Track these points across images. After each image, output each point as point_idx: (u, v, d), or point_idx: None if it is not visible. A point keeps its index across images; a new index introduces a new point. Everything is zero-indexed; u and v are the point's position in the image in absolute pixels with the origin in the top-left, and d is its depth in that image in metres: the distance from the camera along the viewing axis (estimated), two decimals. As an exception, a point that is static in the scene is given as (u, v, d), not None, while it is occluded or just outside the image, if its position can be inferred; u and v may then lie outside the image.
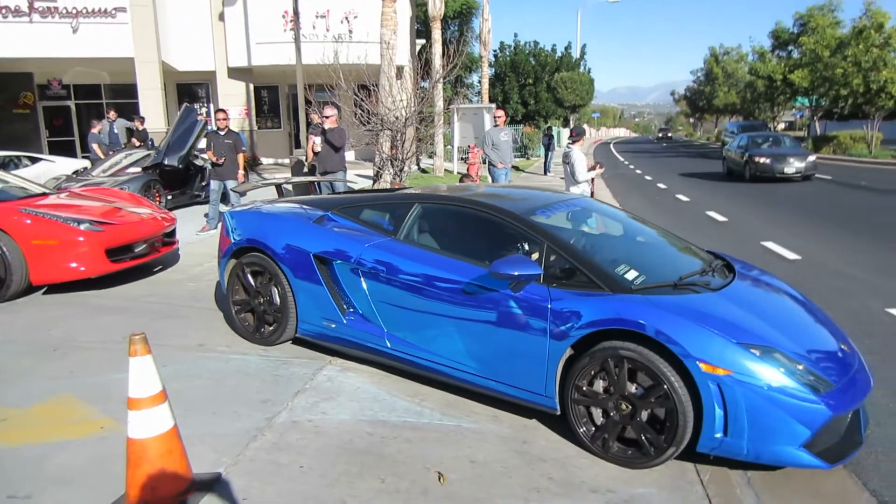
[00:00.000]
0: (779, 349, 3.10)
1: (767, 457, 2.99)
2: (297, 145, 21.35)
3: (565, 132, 27.13)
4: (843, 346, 3.52)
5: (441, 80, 13.90)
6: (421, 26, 26.35)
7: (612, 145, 61.87)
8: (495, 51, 38.03)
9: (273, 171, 18.58)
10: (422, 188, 5.39)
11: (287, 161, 21.22)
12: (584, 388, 3.34)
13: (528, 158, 32.33)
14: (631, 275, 3.63)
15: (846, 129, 38.64)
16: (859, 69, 32.15)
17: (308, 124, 12.81)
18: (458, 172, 15.13)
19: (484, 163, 17.00)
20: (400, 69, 17.88)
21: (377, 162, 11.23)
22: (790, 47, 39.64)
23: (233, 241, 4.90)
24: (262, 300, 4.71)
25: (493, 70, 37.53)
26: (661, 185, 19.23)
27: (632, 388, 3.21)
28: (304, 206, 4.95)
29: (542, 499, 2.93)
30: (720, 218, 12.12)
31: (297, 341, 4.75)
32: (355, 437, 3.42)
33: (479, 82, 24.80)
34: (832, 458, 2.98)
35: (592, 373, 3.31)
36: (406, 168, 10.78)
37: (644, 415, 3.19)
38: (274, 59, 19.41)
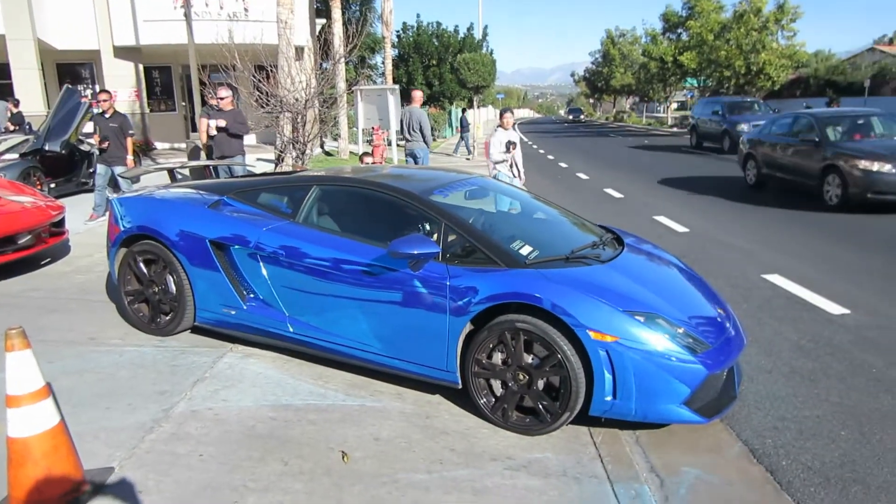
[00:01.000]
0: (661, 315, 3.31)
1: (653, 415, 3.21)
2: (194, 129, 20.41)
3: (470, 113, 27.37)
4: (719, 310, 3.80)
5: (342, 60, 13.66)
6: (321, 5, 25.73)
7: (515, 126, 62.95)
8: (398, 31, 37.76)
9: (168, 156, 17.71)
10: (322, 170, 5.33)
11: (184, 146, 20.27)
12: (484, 361, 3.45)
13: (434, 140, 32.46)
14: (525, 250, 3.76)
15: (731, 108, 41.06)
16: (741, 52, 34.28)
17: (204, 105, 12.29)
18: (365, 152, 14.99)
19: (389, 144, 16.96)
20: (299, 50, 17.44)
21: (278, 145, 10.95)
22: (679, 30, 41.61)
23: (122, 228, 4.70)
24: (156, 289, 4.55)
25: (397, 51, 37.26)
26: (563, 165, 19.86)
27: (528, 358, 3.36)
28: (199, 192, 4.80)
29: (444, 469, 3.02)
30: (617, 195, 12.69)
31: (196, 330, 4.63)
32: (258, 423, 3.39)
33: (383, 63, 24.54)
34: (709, 413, 3.25)
35: (491, 346, 3.42)
36: (308, 151, 10.56)
37: (540, 384, 3.35)
38: (164, 37, 18.39)
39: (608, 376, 3.17)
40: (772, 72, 34.02)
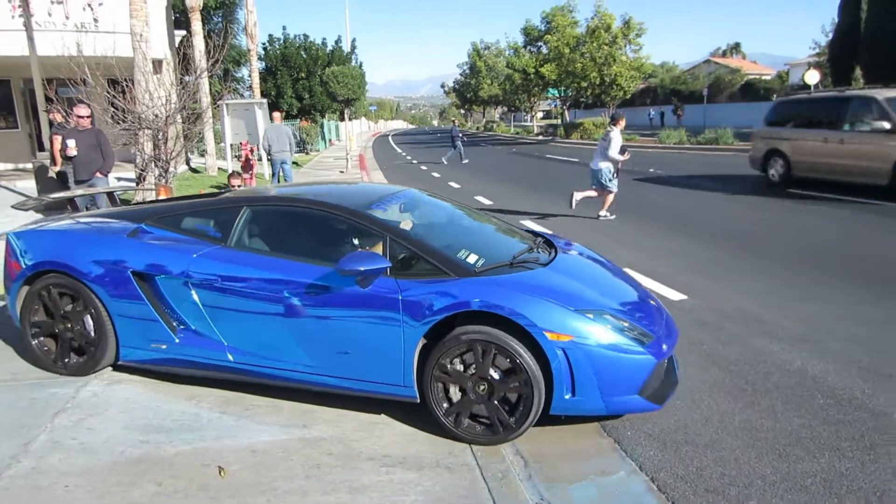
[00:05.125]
0: (607, 311, 3.46)
1: (611, 407, 3.34)
2: (41, 148, 18.90)
3: (343, 125, 27.30)
4: (652, 302, 4.01)
5: (204, 74, 13.25)
6: (181, 17, 24.68)
7: (390, 137, 63.49)
8: (264, 44, 36.94)
9: (12, 178, 16.29)
10: (247, 191, 5.07)
11: (30, 166, 18.68)
12: (449, 368, 3.43)
13: (307, 153, 32.04)
14: (472, 259, 3.79)
15: (591, 116, 43.92)
16: (595, 64, 36.68)
17: (51, 124, 11.46)
18: (235, 171, 14.58)
19: (260, 160, 16.61)
20: (157, 63, 16.66)
21: (139, 163, 10.44)
22: (539, 44, 43.89)
23: (24, 265, 4.28)
24: (68, 326, 4.20)
25: (264, 64, 36.46)
26: (436, 175, 20.34)
27: (490, 371, 3.37)
28: (112, 220, 4.49)
29: (322, 474, 3.12)
30: (486, 201, 13.25)
31: (119, 370, 4.33)
32: (128, 448, 3.32)
33: (250, 76, 23.95)
34: (660, 400, 3.44)
35: (452, 356, 3.41)
36: (172, 168, 10.17)
37: (502, 394, 3.38)
38: (1, 49, 16.92)
39: (566, 375, 3.26)
40: (623, 82, 36.63)
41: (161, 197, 7.54)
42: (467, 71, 70.43)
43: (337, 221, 3.99)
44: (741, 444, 3.39)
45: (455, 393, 3.47)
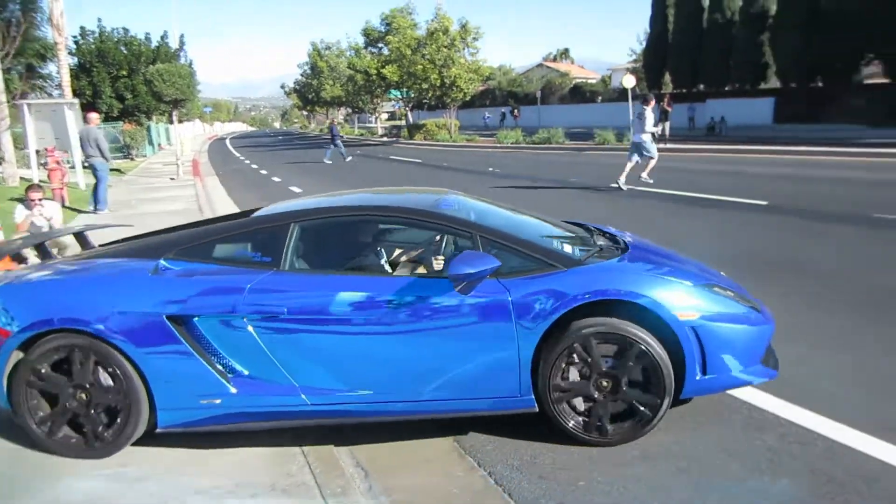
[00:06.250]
0: (714, 283, 3.39)
1: (741, 381, 3.29)
2: None
3: (174, 128, 25.48)
4: (723, 273, 3.89)
5: (-2, 70, 11.68)
6: (-32, 4, 21.61)
7: (227, 140, 60.62)
8: (75, 37, 33.49)
9: None
10: (283, 206, 4.15)
11: None
12: (562, 382, 3.20)
13: (132, 159, 29.58)
14: (567, 249, 3.58)
15: (434, 117, 44.75)
16: (435, 66, 37.38)
17: None
18: (41, 181, 13.01)
19: (73, 167, 14.98)
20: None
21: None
22: (380, 45, 43.96)
23: (13, 329, 3.28)
24: (83, 398, 3.31)
25: (78, 60, 33.11)
26: (276, 179, 19.65)
27: (606, 363, 3.18)
28: (115, 260, 3.68)
29: None
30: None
31: (155, 438, 3.45)
32: None
33: (59, 73, 21.54)
34: (776, 366, 3.45)
35: (565, 362, 3.18)
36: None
37: (625, 382, 3.18)
38: None
39: (697, 354, 3.15)
40: (463, 84, 37.67)
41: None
42: (308, 71, 68.91)
43: (411, 227, 3.68)
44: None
45: (580, 402, 3.25)
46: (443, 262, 3.72)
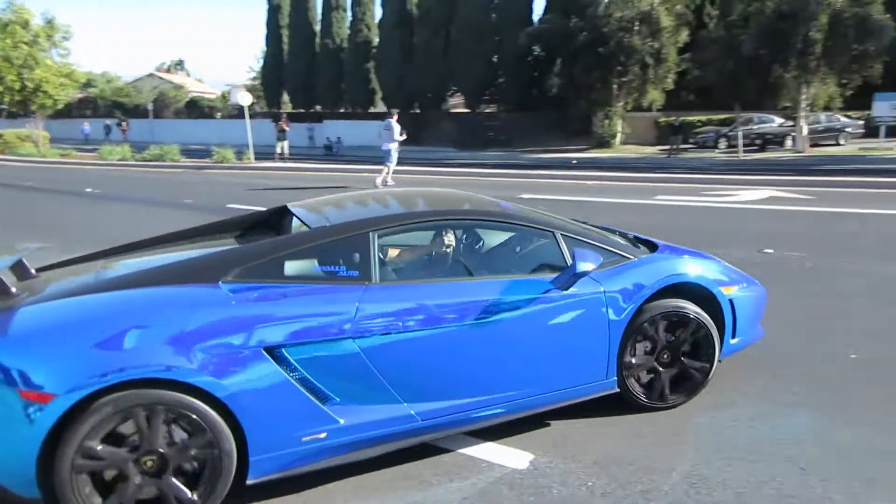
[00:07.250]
0: (721, 264, 4.08)
1: (752, 339, 4.07)
2: None
3: None
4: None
5: None
6: None
7: None
8: None
9: None
10: (352, 214, 3.67)
11: None
12: (633, 359, 3.59)
13: None
14: (624, 242, 3.95)
15: (15, 126, 37.73)
16: (12, 66, 31.56)
17: None
18: None
19: None
20: None
21: None
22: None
23: (58, 392, 2.43)
24: (151, 468, 2.61)
25: None
26: None
27: (668, 338, 3.66)
28: (155, 287, 2.92)
29: None
30: None
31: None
32: None
33: None
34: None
35: (641, 335, 3.58)
36: None
37: (682, 353, 3.67)
38: None
39: (731, 322, 3.79)
40: (52, 90, 32.57)
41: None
42: None
43: (489, 229, 3.88)
44: None
45: (644, 374, 3.64)
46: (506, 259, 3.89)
